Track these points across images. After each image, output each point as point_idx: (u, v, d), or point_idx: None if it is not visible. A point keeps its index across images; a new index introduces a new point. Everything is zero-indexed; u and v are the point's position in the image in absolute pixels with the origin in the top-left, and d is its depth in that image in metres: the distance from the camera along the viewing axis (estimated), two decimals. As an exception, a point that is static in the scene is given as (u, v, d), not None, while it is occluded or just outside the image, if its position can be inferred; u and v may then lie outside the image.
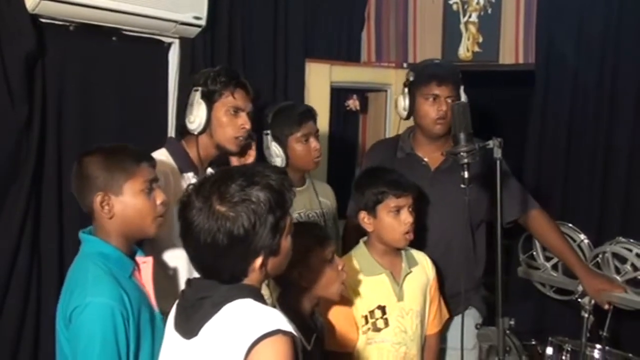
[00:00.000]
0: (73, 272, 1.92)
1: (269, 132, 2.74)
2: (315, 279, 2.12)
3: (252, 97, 2.47)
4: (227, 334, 1.52)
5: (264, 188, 1.58)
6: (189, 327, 1.61)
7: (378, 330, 2.43)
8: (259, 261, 1.59)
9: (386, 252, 2.50)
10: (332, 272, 2.16)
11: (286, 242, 1.66)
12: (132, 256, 2.00)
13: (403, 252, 2.54)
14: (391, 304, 2.45)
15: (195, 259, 1.64)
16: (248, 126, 2.43)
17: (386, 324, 2.44)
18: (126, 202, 1.93)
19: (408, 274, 2.50)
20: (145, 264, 2.01)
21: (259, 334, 1.48)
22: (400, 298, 2.47)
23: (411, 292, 2.50)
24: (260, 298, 1.61)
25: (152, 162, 2.02)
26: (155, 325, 1.94)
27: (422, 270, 2.56)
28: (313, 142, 2.74)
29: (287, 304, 2.07)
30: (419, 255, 2.59)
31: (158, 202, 1.99)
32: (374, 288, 2.46)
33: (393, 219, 2.43)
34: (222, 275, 1.60)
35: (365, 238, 2.56)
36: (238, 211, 1.55)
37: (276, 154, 2.72)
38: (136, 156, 1.97)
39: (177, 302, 1.72)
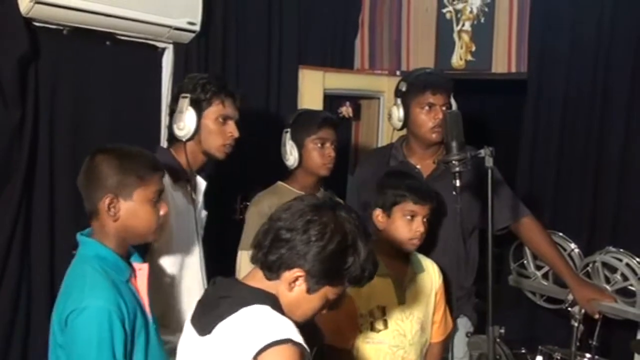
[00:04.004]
0: (70, 275, 1.91)
1: (288, 130, 2.77)
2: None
3: (239, 106, 2.48)
4: (238, 335, 1.53)
5: (365, 252, 1.65)
6: (204, 324, 1.62)
7: (377, 331, 2.43)
8: (296, 273, 1.60)
9: (393, 255, 2.49)
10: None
11: (317, 300, 1.66)
12: (128, 260, 1.99)
13: (411, 257, 2.53)
14: (392, 306, 2.45)
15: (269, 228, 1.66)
16: (236, 134, 2.44)
17: (385, 325, 2.44)
18: (133, 209, 1.91)
19: (412, 278, 2.50)
20: (141, 270, 2.00)
21: (269, 340, 1.49)
22: (401, 301, 2.45)
23: (414, 297, 2.49)
24: (278, 308, 1.61)
25: (163, 173, 2.02)
26: (149, 332, 1.93)
27: (427, 277, 2.55)
28: (328, 149, 2.76)
29: None
30: (427, 262, 2.58)
31: (161, 212, 1.98)
32: (376, 289, 2.42)
33: (406, 223, 2.44)
34: (268, 256, 1.62)
35: (374, 238, 2.54)
36: (330, 223, 1.61)
37: (290, 152, 2.75)
38: (152, 164, 1.96)
39: (199, 299, 1.72)
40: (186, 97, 2.38)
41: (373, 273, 1.70)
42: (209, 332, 1.59)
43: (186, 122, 2.37)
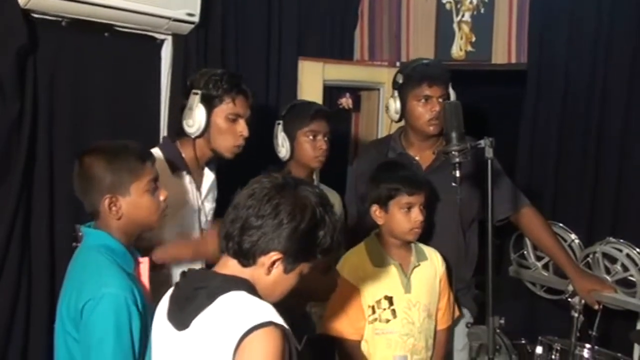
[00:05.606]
0: (78, 265, 1.92)
1: (280, 122, 2.77)
2: (308, 284, 2.12)
3: (251, 104, 2.46)
4: (218, 325, 1.53)
5: (332, 222, 1.65)
6: (181, 319, 1.61)
7: (386, 321, 2.46)
8: (273, 257, 1.60)
9: (396, 245, 2.53)
10: (327, 280, 2.15)
11: (293, 278, 1.67)
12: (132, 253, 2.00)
13: (413, 246, 2.56)
14: (398, 295, 2.48)
15: (235, 214, 1.64)
16: (246, 133, 2.42)
17: (394, 315, 2.46)
18: (134, 202, 1.94)
19: (416, 267, 2.53)
20: (143, 263, 2.02)
21: (250, 325, 1.49)
22: (407, 290, 2.49)
23: (419, 285, 2.52)
24: (254, 292, 1.61)
25: (154, 160, 2.03)
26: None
27: (430, 264, 2.58)
28: (320, 142, 2.76)
29: (278, 304, 2.06)
30: (429, 250, 2.61)
31: (161, 198, 2.01)
32: (382, 279, 2.48)
33: (404, 215, 2.46)
34: (241, 245, 1.61)
35: (377, 230, 2.57)
36: (297, 203, 1.60)
37: (282, 145, 2.75)
38: (140, 156, 1.97)
39: (170, 293, 1.71)
40: (197, 93, 2.36)
41: (341, 241, 1.72)
42: (187, 325, 1.59)
43: (196, 119, 2.35)
